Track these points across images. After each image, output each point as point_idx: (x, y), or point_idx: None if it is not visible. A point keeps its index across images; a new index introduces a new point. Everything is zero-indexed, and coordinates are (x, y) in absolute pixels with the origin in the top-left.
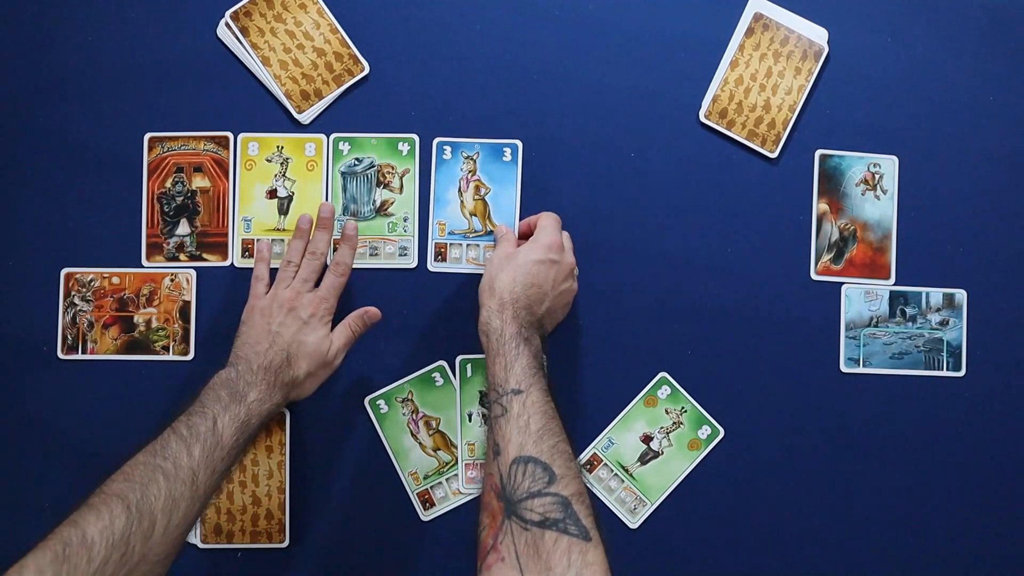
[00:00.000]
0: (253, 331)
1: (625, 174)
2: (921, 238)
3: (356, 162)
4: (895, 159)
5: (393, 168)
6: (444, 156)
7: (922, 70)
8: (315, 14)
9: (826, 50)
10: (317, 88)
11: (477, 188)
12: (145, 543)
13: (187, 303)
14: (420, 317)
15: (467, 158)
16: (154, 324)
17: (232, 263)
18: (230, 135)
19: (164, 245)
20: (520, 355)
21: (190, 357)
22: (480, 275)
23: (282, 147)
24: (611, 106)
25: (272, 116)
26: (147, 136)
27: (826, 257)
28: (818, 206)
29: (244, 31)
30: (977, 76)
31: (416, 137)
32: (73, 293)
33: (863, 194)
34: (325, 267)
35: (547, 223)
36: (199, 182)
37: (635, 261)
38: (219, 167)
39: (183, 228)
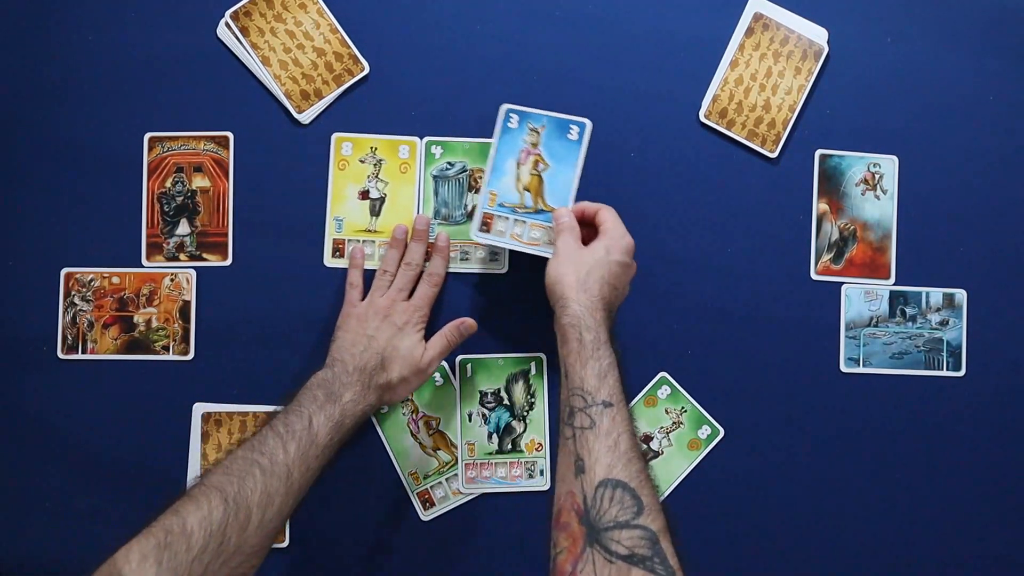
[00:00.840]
0: (349, 335)
1: (625, 174)
2: (921, 238)
3: (448, 166)
4: (895, 159)
5: (484, 172)
6: (510, 124)
7: (922, 70)
8: (315, 14)
9: (826, 50)
10: (317, 88)
11: (536, 163)
12: (241, 534)
13: (187, 303)
14: None
15: (532, 130)
16: (154, 324)
17: (329, 262)
18: (230, 135)
19: (164, 245)
20: (613, 365)
21: (190, 357)
22: (532, 257)
23: (376, 148)
24: (611, 106)
25: (272, 116)
26: (147, 136)
27: (826, 257)
28: (818, 206)
29: (244, 31)
30: (977, 76)
31: None
32: (73, 293)
33: (863, 194)
34: (419, 277)
35: (615, 220)
36: (199, 182)
37: (635, 261)
38: (219, 167)
39: (183, 228)
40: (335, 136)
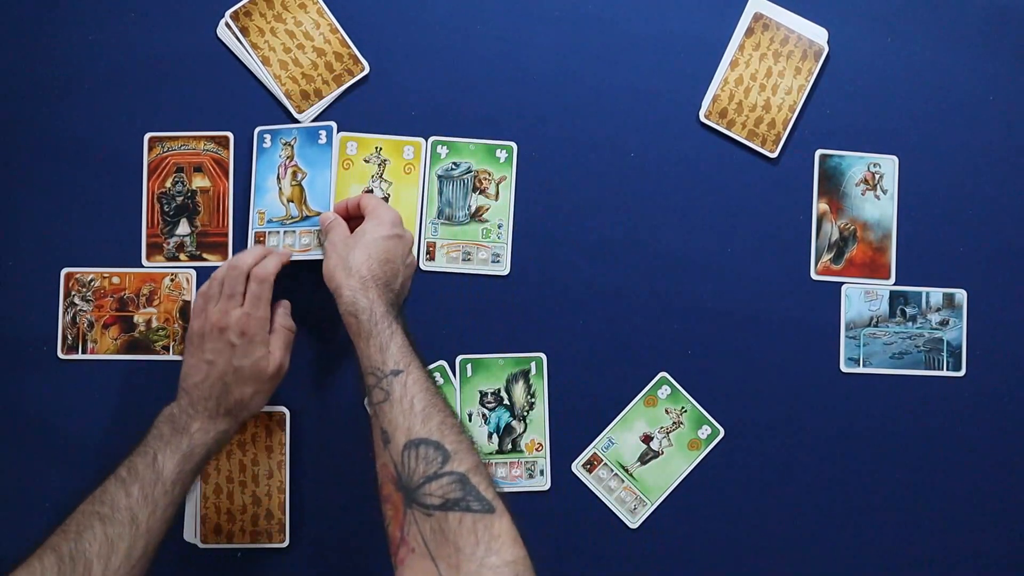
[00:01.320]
0: (191, 360)
1: (625, 174)
2: (921, 238)
3: (454, 166)
4: (895, 159)
5: (490, 174)
6: (264, 145)
7: (922, 70)
8: (315, 14)
9: (826, 50)
10: (317, 88)
11: (295, 173)
12: None
13: (187, 303)
14: (420, 317)
15: (285, 144)
16: (154, 324)
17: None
18: (230, 135)
19: (164, 245)
20: (394, 334)
21: None
22: (314, 261)
23: (380, 148)
24: (611, 106)
25: (272, 116)
26: (147, 136)
27: (826, 257)
28: (818, 206)
29: (244, 31)
30: (977, 76)
31: (514, 145)
32: (73, 293)
33: (863, 194)
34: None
35: (376, 201)
36: (199, 182)
37: (635, 261)
38: (219, 167)
39: (183, 228)
40: (340, 135)
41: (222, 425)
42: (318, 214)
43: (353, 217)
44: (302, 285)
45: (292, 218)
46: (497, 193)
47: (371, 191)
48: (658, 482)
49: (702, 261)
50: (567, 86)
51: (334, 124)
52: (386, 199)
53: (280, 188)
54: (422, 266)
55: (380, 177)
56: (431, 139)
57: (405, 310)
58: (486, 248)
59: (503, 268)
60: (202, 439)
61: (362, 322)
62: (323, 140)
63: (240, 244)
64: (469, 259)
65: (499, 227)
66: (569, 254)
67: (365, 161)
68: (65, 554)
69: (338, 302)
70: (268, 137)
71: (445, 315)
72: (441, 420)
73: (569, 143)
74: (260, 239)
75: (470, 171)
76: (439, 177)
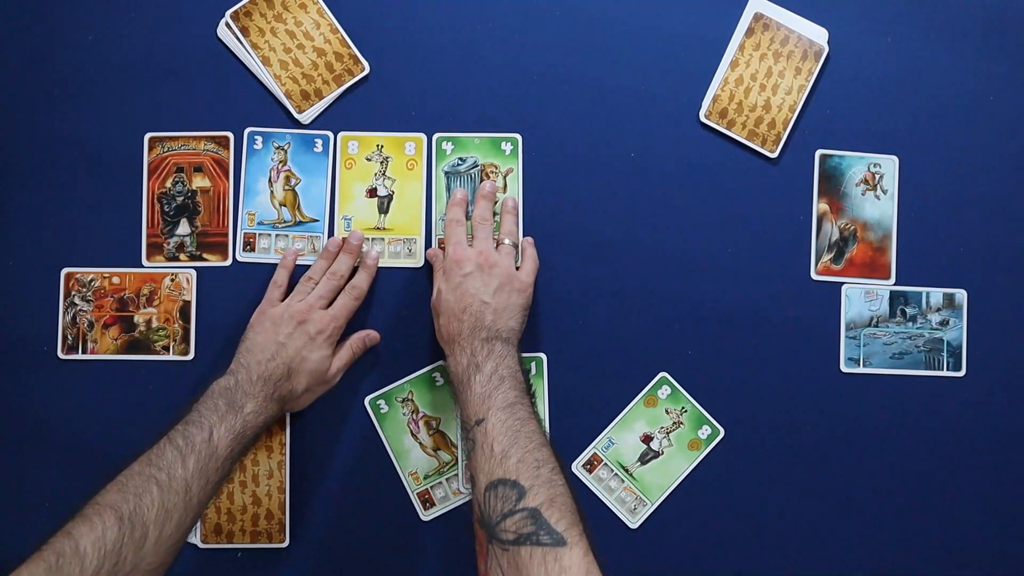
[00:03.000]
0: (260, 338)
1: (625, 174)
2: (921, 238)
3: (460, 161)
4: (895, 159)
5: (496, 167)
6: (255, 146)
7: (922, 70)
8: (315, 14)
9: (826, 50)
10: (317, 88)
11: (288, 178)
12: (137, 553)
13: (187, 303)
14: (420, 317)
15: (278, 148)
16: (154, 324)
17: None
18: (230, 135)
19: (164, 245)
20: (473, 383)
21: (190, 357)
22: None
23: (382, 146)
24: (611, 106)
25: (272, 116)
26: (147, 136)
27: (826, 257)
28: (818, 206)
29: (244, 31)
30: (977, 76)
31: (519, 136)
32: (73, 293)
33: (863, 194)
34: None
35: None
36: (199, 182)
37: (635, 261)
38: (219, 167)
39: (183, 228)
40: (341, 135)
41: (272, 410)
42: (314, 220)
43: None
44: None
45: (285, 222)
46: (505, 186)
47: (375, 189)
48: (658, 482)
49: (702, 261)
50: (567, 87)
51: (330, 134)
52: (391, 196)
53: (272, 191)
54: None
55: (383, 175)
56: (435, 135)
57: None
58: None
59: (517, 259)
60: (253, 421)
61: (452, 384)
62: (319, 149)
63: (241, 244)
64: None
65: None
66: (569, 255)
67: (367, 159)
68: (125, 515)
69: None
70: (259, 139)
71: None
72: (519, 458)
73: (569, 143)
74: (250, 240)
75: (476, 165)
76: (446, 173)
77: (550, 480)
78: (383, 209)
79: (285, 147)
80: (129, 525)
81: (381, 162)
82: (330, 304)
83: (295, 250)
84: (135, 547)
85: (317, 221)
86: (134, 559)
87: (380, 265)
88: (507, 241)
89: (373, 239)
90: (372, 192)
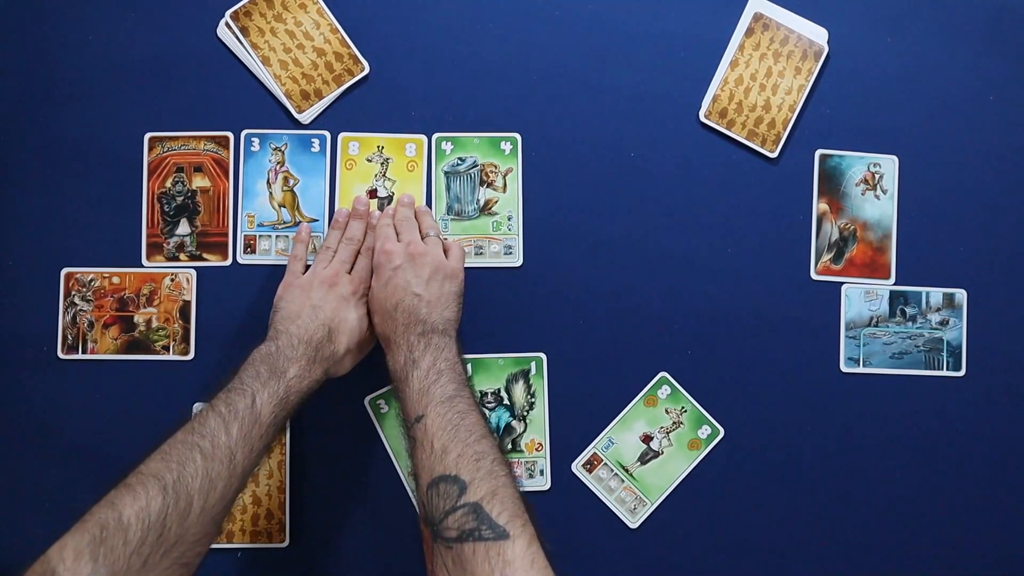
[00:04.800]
0: (293, 305)
1: (625, 174)
2: (921, 238)
3: (459, 161)
4: (895, 159)
5: (496, 167)
6: (252, 148)
7: (922, 70)
8: (315, 14)
9: (826, 50)
10: (317, 88)
11: (286, 179)
12: (182, 523)
13: (187, 303)
14: None
15: (275, 150)
16: (154, 324)
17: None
18: (230, 135)
19: (164, 245)
20: (411, 379)
21: (190, 357)
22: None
23: (383, 147)
24: (611, 106)
25: (272, 116)
26: (147, 136)
27: (826, 257)
28: (818, 206)
29: (244, 31)
30: (977, 76)
31: (519, 136)
32: (73, 293)
33: (863, 194)
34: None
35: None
36: (199, 182)
37: (635, 261)
38: (219, 167)
39: (183, 228)
40: (342, 136)
41: (316, 373)
42: (313, 220)
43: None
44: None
45: (284, 223)
46: (505, 185)
47: (375, 191)
48: (658, 482)
49: (702, 261)
50: (567, 87)
51: (327, 133)
52: (390, 197)
53: (270, 192)
54: None
55: (383, 176)
56: (435, 136)
57: (462, 334)
58: (498, 241)
59: (516, 259)
60: (297, 385)
61: (393, 383)
62: (316, 148)
63: (242, 244)
64: (481, 253)
65: (509, 219)
66: (569, 255)
67: (368, 160)
68: (169, 485)
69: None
70: (256, 141)
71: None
72: (458, 453)
73: (569, 143)
74: (250, 243)
75: (476, 165)
76: (445, 173)
77: (491, 472)
78: (382, 210)
79: (282, 148)
80: (174, 495)
81: (382, 163)
82: (352, 268)
83: (309, 226)
84: (180, 517)
85: (316, 221)
86: (179, 530)
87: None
88: (431, 233)
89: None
90: (372, 193)
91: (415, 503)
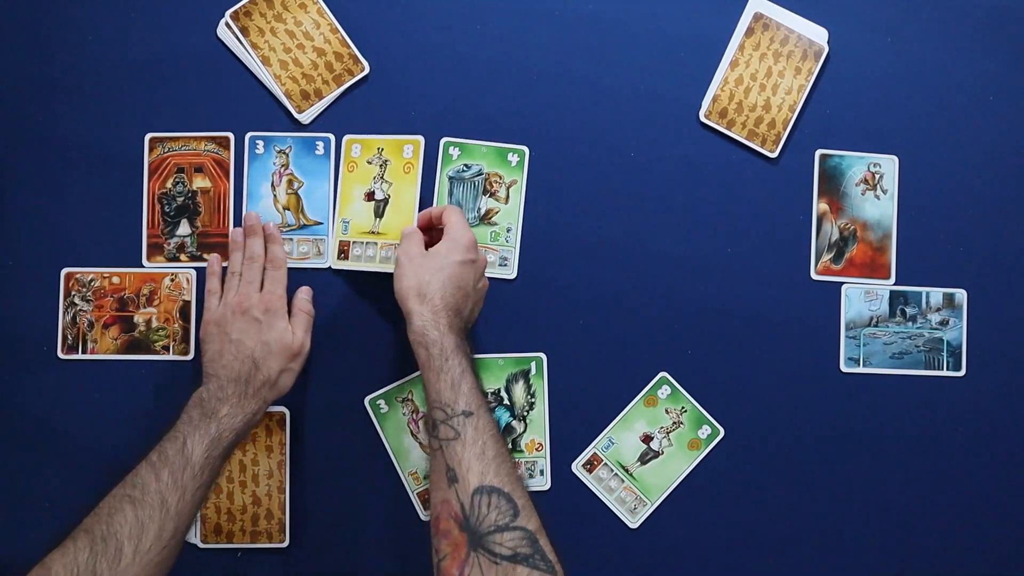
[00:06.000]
0: (214, 345)
1: (625, 174)
2: (921, 238)
3: (465, 168)
4: (895, 159)
5: (501, 178)
6: (257, 151)
7: (922, 70)
8: (315, 14)
9: (826, 50)
10: (317, 88)
11: (290, 182)
12: (114, 568)
13: (187, 303)
14: None
15: (279, 152)
16: (154, 324)
17: (335, 263)
18: (231, 135)
19: (165, 245)
20: (465, 371)
21: (190, 357)
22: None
23: (382, 149)
24: (611, 106)
25: (272, 116)
26: (148, 136)
27: (826, 257)
28: (818, 206)
29: (244, 31)
30: (977, 76)
31: (526, 149)
32: (73, 293)
33: (863, 194)
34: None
35: (457, 219)
36: (200, 182)
37: (635, 261)
38: (220, 167)
39: (184, 228)
40: (346, 138)
41: (251, 407)
42: (318, 223)
43: (434, 227)
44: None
45: (289, 226)
46: (507, 196)
47: (373, 192)
48: (658, 482)
49: (702, 261)
50: (566, 86)
51: (331, 136)
52: (387, 200)
53: (275, 196)
54: None
55: (382, 178)
56: (443, 140)
57: (471, 334)
58: (494, 251)
59: (510, 272)
60: (230, 424)
61: (432, 355)
62: (320, 151)
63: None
64: None
65: (508, 231)
66: (569, 255)
67: (368, 163)
68: (97, 535)
69: (408, 328)
70: (261, 143)
71: None
72: (510, 471)
73: (569, 143)
74: None
75: (481, 173)
76: (450, 178)
77: (535, 509)
78: (379, 213)
79: (287, 151)
80: (102, 543)
81: (380, 165)
82: (262, 287)
83: (218, 257)
84: (110, 562)
85: (321, 224)
86: (112, 574)
87: (376, 270)
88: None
89: (367, 243)
90: (370, 195)
91: (441, 499)
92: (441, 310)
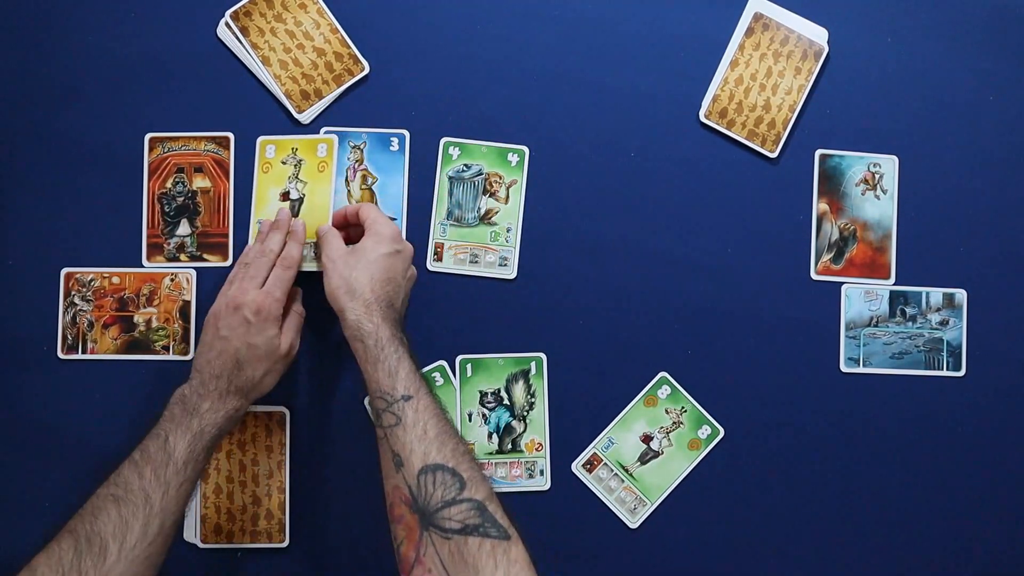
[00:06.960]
0: (207, 337)
1: (625, 174)
2: (921, 238)
3: (465, 168)
4: (895, 159)
5: (501, 178)
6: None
7: (922, 70)
8: (315, 14)
9: (826, 50)
10: (317, 88)
11: (364, 177)
12: (99, 566)
13: (187, 303)
14: (420, 317)
15: (354, 147)
16: (154, 324)
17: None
18: (231, 135)
19: (165, 245)
20: (401, 358)
21: (190, 357)
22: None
23: (296, 149)
24: (611, 106)
25: (272, 116)
26: (148, 136)
27: (826, 257)
28: (818, 206)
29: (244, 31)
30: (977, 76)
31: (526, 149)
32: (73, 293)
33: (863, 194)
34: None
35: (376, 214)
36: (200, 182)
37: (635, 261)
38: (220, 167)
39: (184, 228)
40: (260, 139)
41: (232, 404)
42: (392, 219)
43: (351, 225)
44: (300, 286)
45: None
46: (507, 197)
47: (288, 192)
48: (658, 482)
49: (702, 261)
50: (566, 86)
51: (406, 133)
52: (301, 200)
53: (349, 191)
54: (429, 267)
55: (296, 178)
56: (443, 140)
57: (406, 323)
58: (494, 251)
59: (510, 272)
60: (212, 419)
61: (368, 347)
62: (395, 147)
63: (241, 245)
64: (476, 261)
65: (508, 231)
66: (568, 255)
67: (282, 163)
68: (81, 535)
69: (342, 324)
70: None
71: (447, 316)
72: (454, 447)
73: (569, 143)
74: None
75: (481, 173)
76: (450, 178)
77: (484, 478)
78: (294, 212)
79: (361, 146)
80: (86, 542)
81: (295, 165)
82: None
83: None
84: (95, 560)
85: (395, 219)
86: (98, 572)
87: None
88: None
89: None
90: (285, 195)
91: (391, 485)
92: (373, 303)
